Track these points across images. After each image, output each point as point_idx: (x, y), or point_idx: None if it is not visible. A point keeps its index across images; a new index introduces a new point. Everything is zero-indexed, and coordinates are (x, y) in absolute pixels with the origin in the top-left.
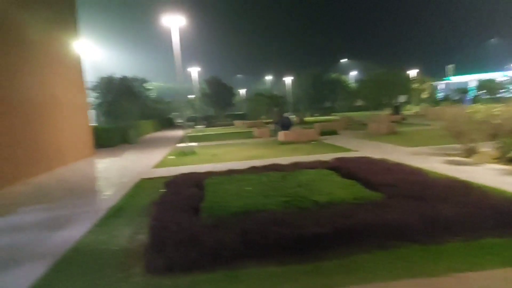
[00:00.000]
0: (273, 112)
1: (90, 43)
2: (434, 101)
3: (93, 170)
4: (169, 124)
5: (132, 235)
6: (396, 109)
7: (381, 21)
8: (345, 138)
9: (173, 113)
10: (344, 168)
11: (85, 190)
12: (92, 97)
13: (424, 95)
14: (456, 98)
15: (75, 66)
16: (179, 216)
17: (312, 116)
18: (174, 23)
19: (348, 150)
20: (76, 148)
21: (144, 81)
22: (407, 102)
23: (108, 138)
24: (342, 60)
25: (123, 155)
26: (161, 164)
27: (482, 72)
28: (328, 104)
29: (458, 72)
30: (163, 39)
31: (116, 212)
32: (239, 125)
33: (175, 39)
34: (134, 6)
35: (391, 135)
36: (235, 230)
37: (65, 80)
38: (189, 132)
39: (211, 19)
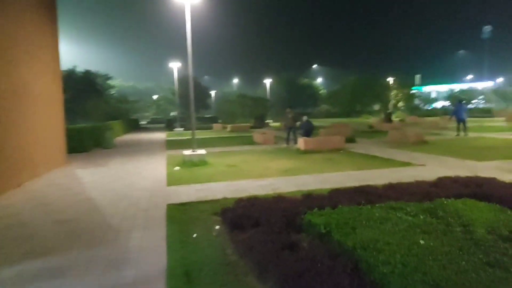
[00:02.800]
0: (285, 114)
1: None
2: (411, 110)
3: (82, 187)
4: (135, 126)
5: None
6: (388, 117)
7: (350, 31)
8: (373, 147)
9: (137, 114)
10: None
11: (93, 227)
12: None
13: (401, 103)
14: (427, 107)
15: (50, 46)
16: None
17: None
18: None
19: (408, 164)
20: (48, 154)
21: (107, 77)
22: (383, 110)
23: (80, 141)
24: (313, 66)
25: (109, 164)
26: (174, 179)
27: (445, 83)
28: (299, 110)
29: (423, 82)
30: (124, 35)
31: (187, 286)
32: (218, 129)
33: (188, 19)
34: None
35: (422, 144)
36: None
37: (39, 64)
38: (175, 133)
39: (181, 20)
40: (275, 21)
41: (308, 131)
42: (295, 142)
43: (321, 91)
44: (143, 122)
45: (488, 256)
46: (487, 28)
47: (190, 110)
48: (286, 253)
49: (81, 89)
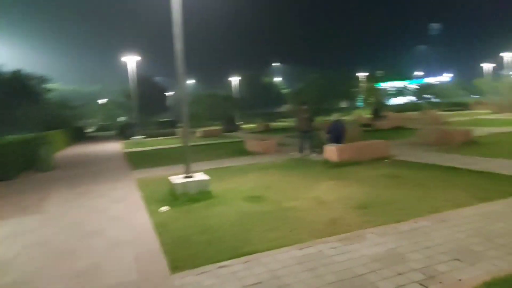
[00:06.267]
0: (298, 114)
1: None
2: (380, 105)
3: None
4: (80, 135)
5: None
6: (377, 112)
7: (309, 28)
8: (421, 152)
9: (82, 121)
10: None
11: None
12: None
13: (371, 99)
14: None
15: None
16: None
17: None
18: None
19: None
20: None
21: (43, 79)
22: (352, 107)
23: (2, 163)
24: (273, 64)
25: (45, 205)
26: (177, 245)
27: (399, 80)
28: (260, 110)
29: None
30: (63, 34)
31: None
32: None
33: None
34: None
35: (474, 145)
36: None
37: None
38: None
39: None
40: (231, 16)
41: (340, 134)
42: (312, 151)
43: (284, 90)
44: (89, 130)
45: None
46: (435, 26)
47: (183, 113)
48: None
49: (10, 93)
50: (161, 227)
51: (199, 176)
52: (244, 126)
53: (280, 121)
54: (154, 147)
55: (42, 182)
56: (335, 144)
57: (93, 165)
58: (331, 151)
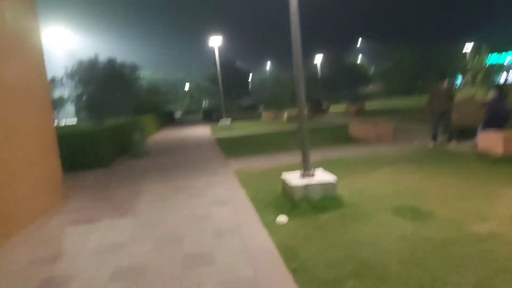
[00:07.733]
0: (435, 89)
1: (64, 30)
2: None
3: None
4: (170, 119)
5: None
6: (503, 90)
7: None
8: None
9: (170, 106)
10: None
11: None
12: (68, 88)
13: (480, 76)
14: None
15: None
16: None
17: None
18: None
19: None
20: (30, 189)
21: (135, 68)
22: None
23: (95, 150)
24: (358, 42)
25: (137, 204)
26: None
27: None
28: (345, 91)
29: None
30: (150, 25)
31: None
32: (269, 118)
33: None
34: None
35: None
36: None
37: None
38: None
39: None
40: None
41: (503, 119)
42: (450, 138)
43: (369, 69)
44: (177, 115)
45: None
46: None
47: (299, 95)
48: None
49: (106, 81)
50: (291, 256)
51: (322, 176)
52: (333, 109)
53: (366, 102)
54: (243, 132)
55: (135, 171)
56: (495, 130)
57: (185, 152)
58: (492, 140)
